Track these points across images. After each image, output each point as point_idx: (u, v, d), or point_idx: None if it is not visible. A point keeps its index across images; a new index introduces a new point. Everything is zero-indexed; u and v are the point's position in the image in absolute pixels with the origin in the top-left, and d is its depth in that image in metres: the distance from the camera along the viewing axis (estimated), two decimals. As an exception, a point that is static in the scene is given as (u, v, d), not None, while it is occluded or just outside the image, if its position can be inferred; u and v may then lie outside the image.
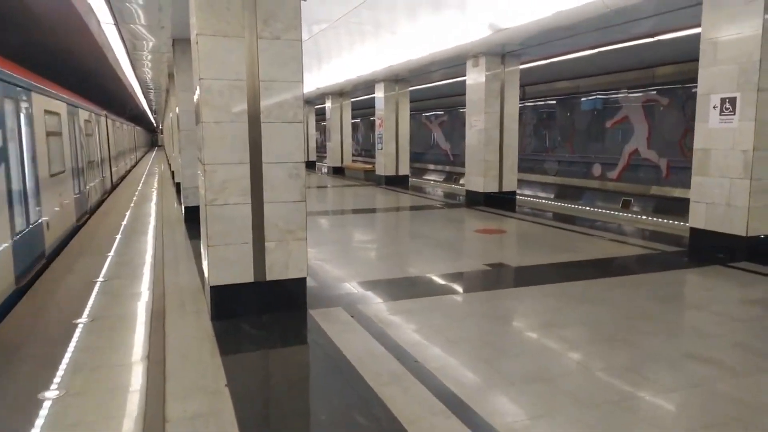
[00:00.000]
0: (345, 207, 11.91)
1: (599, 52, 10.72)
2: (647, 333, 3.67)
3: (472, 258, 6.34)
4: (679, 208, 12.51)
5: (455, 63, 11.29)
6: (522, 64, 10.48)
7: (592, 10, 7.09)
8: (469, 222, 8.99)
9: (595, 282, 5.03)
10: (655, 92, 13.53)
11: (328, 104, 19.18)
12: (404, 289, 4.90)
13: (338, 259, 6.21)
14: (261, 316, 4.06)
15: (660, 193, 13.19)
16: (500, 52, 10.07)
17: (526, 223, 8.58)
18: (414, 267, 5.91)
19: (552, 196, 16.75)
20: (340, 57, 15.27)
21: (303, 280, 4.23)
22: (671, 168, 13.18)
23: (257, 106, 3.96)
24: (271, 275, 4.11)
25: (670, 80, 12.93)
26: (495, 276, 5.46)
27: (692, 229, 6.26)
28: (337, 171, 19.25)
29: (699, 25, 8.14)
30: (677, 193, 12.61)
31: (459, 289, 5.01)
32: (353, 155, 31.73)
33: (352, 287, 4.90)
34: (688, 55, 11.33)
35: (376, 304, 4.38)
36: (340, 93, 18.65)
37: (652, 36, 9.07)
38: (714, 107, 5.89)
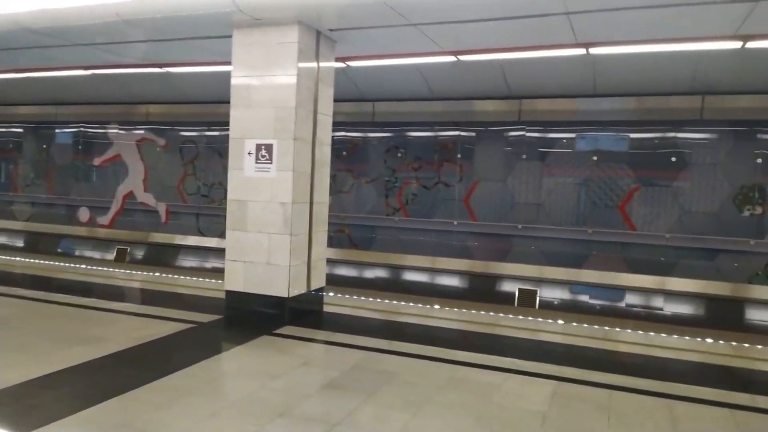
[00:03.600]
0: None
1: (93, 75, 8.95)
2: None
3: None
4: (176, 255, 11.88)
5: None
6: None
7: (87, 16, 5.43)
8: None
9: (138, 395, 3.42)
10: (152, 131, 12.58)
11: None
12: None
13: None
14: None
15: (159, 240, 12.21)
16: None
17: (4, 300, 5.91)
18: None
19: (22, 245, 13.42)
20: None
21: None
22: (170, 213, 12.44)
23: None
24: None
25: (162, 120, 12.27)
26: (-47, 422, 3.07)
27: (229, 293, 5.40)
28: None
29: (199, 63, 7.55)
30: (177, 240, 11.93)
31: None
32: None
33: None
34: (180, 95, 10.87)
35: None
36: None
37: (159, 66, 8.00)
38: (249, 153, 5.23)
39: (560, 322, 5.98)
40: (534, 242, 8.76)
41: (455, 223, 9.29)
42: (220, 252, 10.55)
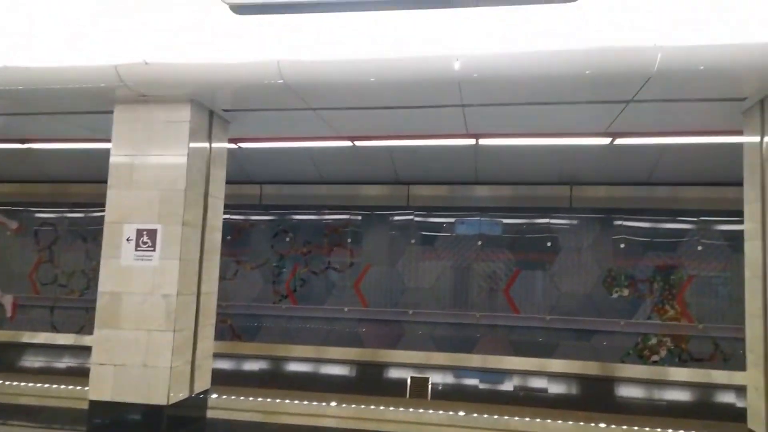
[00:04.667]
0: None
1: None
2: None
3: None
4: (23, 356, 10.23)
5: None
6: None
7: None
8: None
9: None
10: (1, 213, 11.09)
11: None
12: None
13: None
14: None
15: (1, 338, 10.45)
16: None
17: None
18: None
19: None
20: None
21: None
22: (18, 307, 10.79)
23: None
24: None
25: (15, 200, 10.92)
26: None
27: (94, 403, 4.58)
28: None
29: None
30: (25, 338, 10.30)
31: None
32: None
33: None
34: (39, 173, 9.82)
35: None
36: None
37: (20, 142, 7.11)
38: (128, 240, 4.66)
39: (461, 413, 5.83)
40: (425, 327, 8.69)
41: (346, 309, 9.00)
42: (78, 351, 9.25)
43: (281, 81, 4.29)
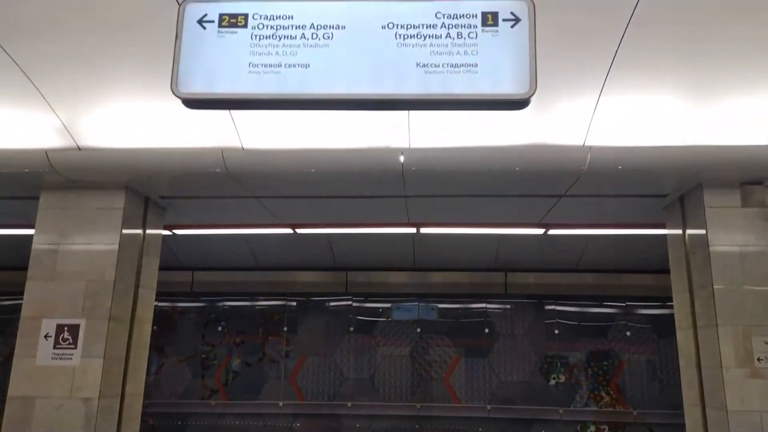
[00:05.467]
0: None
1: None
2: None
3: None
4: None
5: None
6: None
7: None
8: None
9: None
10: None
11: None
12: None
13: None
14: None
15: None
16: None
17: None
18: None
19: None
20: None
21: None
22: None
23: None
24: None
25: None
26: None
27: None
28: None
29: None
30: None
31: None
32: None
33: None
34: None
35: None
36: None
37: None
38: (47, 336, 4.24)
39: None
40: (364, 421, 8.32)
41: (281, 404, 8.49)
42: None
43: (224, 169, 4.22)
